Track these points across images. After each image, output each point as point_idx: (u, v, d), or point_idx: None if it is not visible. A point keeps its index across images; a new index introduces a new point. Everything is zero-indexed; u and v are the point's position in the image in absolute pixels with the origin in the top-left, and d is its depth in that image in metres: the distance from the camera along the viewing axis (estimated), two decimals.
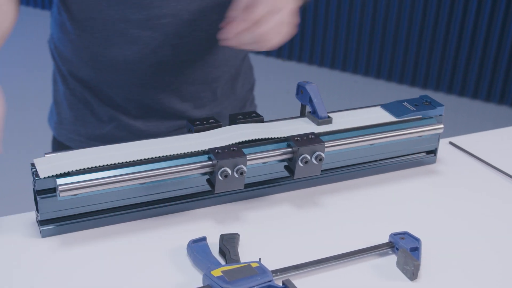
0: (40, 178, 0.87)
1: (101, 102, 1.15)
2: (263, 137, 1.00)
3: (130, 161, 0.92)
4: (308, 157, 0.98)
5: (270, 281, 0.80)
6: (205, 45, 1.12)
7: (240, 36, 0.94)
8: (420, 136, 1.12)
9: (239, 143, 0.98)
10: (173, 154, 0.95)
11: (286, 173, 1.02)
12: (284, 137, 1.01)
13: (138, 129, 1.16)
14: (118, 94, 1.14)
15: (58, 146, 1.24)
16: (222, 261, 0.87)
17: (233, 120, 1.04)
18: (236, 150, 0.94)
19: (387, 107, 1.13)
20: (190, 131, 1.02)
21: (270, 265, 0.85)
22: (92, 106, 1.16)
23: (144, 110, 1.15)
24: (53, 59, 1.20)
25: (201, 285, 0.82)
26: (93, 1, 1.06)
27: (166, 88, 1.14)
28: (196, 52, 1.12)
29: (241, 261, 0.86)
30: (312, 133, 1.01)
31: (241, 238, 0.92)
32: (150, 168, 0.92)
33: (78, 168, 0.89)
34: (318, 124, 1.05)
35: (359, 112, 1.12)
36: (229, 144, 0.96)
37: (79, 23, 1.09)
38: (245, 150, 0.96)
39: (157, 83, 1.13)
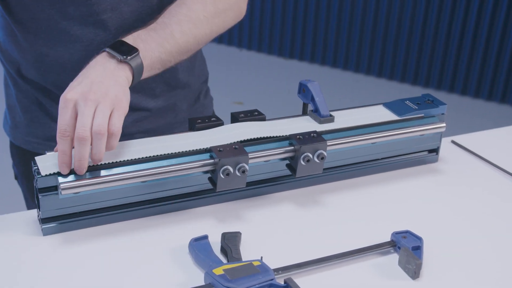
0: (42, 176, 0.87)
1: (53, 102, 1.13)
2: (266, 135, 0.99)
3: (131, 159, 0.92)
4: (310, 155, 0.98)
5: (272, 279, 0.80)
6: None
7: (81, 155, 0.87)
8: (422, 135, 1.11)
9: (241, 141, 0.98)
10: (175, 152, 0.95)
11: (288, 172, 1.02)
12: (286, 135, 1.00)
13: None
14: None
15: (16, 150, 1.23)
16: (223, 260, 0.87)
17: (235, 118, 1.04)
18: (238, 149, 0.94)
19: (389, 105, 1.13)
20: (191, 129, 1.02)
21: (272, 264, 0.85)
22: (45, 107, 1.15)
23: None
24: (1, 63, 1.18)
25: (203, 283, 0.82)
26: (33, 1, 1.04)
27: None
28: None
29: (243, 259, 0.86)
30: (314, 132, 1.00)
31: (242, 236, 0.92)
32: (152, 166, 0.92)
33: None
34: (320, 122, 1.05)
35: (361, 111, 1.11)
36: (231, 143, 0.96)
37: (23, 24, 1.08)
38: (247, 149, 0.96)
39: None
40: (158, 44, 0.98)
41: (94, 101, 0.87)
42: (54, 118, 1.14)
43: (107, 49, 0.94)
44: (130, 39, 0.96)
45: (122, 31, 1.05)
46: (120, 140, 0.95)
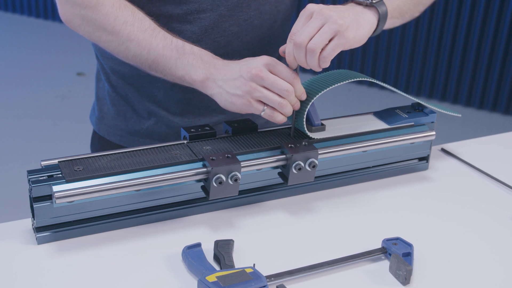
0: (36, 185, 0.88)
1: (141, 98, 1.18)
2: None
3: (125, 168, 0.93)
4: (302, 164, 0.99)
5: (264, 286, 0.81)
6: (241, 39, 1.14)
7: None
8: (413, 143, 1.13)
9: (235, 150, 0.99)
10: (168, 161, 0.95)
11: (280, 180, 1.03)
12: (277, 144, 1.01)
13: (177, 125, 1.19)
14: (159, 89, 1.16)
15: (99, 140, 1.27)
16: (216, 267, 0.88)
17: (229, 127, 1.05)
18: (230, 157, 0.95)
19: (379, 114, 1.15)
20: (184, 138, 1.03)
21: (264, 271, 0.86)
22: (133, 103, 1.19)
23: (183, 106, 1.17)
24: (96, 57, 1.23)
25: None
26: None
27: None
28: (233, 46, 1.14)
29: (236, 266, 0.87)
30: (306, 140, 1.02)
31: (235, 244, 0.93)
32: (146, 175, 0.93)
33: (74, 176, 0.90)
34: (312, 131, 1.06)
35: (352, 120, 1.13)
36: (223, 152, 0.97)
37: None
38: (239, 157, 0.97)
39: None
40: None
41: (323, 17, 0.94)
42: (140, 114, 1.20)
43: None
44: None
45: (216, 31, 1.11)
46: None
